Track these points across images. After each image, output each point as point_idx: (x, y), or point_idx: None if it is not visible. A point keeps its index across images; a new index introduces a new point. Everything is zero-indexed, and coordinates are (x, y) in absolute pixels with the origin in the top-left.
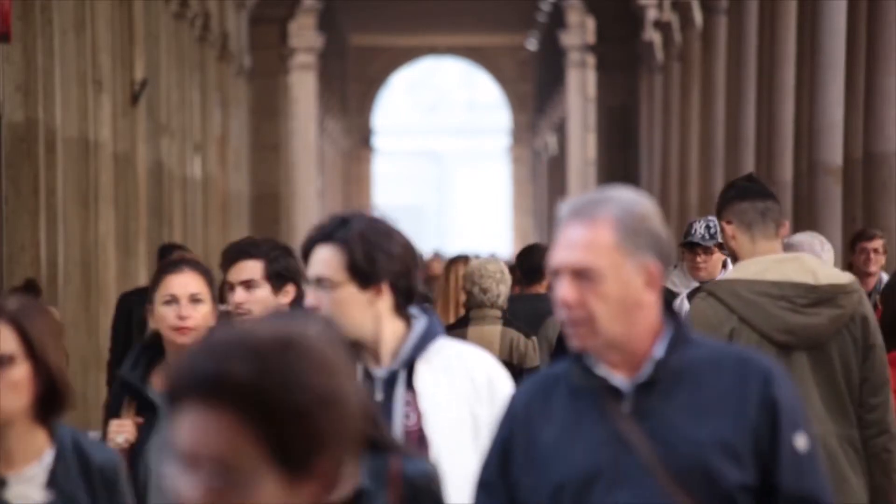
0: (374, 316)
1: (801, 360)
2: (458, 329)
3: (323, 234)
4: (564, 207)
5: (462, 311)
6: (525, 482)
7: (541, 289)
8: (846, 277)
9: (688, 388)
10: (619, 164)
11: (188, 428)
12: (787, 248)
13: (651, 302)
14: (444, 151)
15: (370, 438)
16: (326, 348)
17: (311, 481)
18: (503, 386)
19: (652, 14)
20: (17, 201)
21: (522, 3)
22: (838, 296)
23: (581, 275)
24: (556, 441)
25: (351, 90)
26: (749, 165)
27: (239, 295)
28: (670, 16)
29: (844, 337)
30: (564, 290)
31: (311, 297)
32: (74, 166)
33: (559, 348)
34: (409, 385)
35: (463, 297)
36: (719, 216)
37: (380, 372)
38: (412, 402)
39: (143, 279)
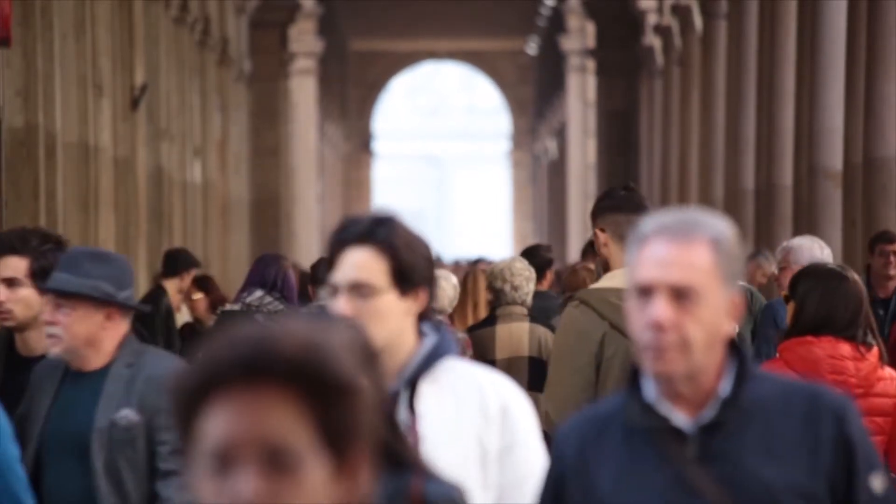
0: (407, 326)
1: None
2: (485, 327)
3: (359, 235)
4: (650, 224)
5: (479, 312)
6: None
7: (541, 287)
8: None
9: (757, 428)
10: (619, 168)
11: (229, 416)
12: (787, 251)
13: (727, 334)
14: (443, 156)
15: (392, 452)
16: (351, 341)
17: (348, 474)
18: (520, 415)
19: (652, 18)
20: (17, 205)
21: (522, 7)
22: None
23: (679, 295)
24: (613, 489)
25: (351, 94)
26: (749, 169)
27: (0, 293)
28: (670, 20)
29: None
30: (660, 310)
31: (344, 304)
32: (74, 171)
33: None
34: (412, 407)
35: (486, 297)
36: (594, 222)
37: None
38: (412, 426)
39: (143, 284)
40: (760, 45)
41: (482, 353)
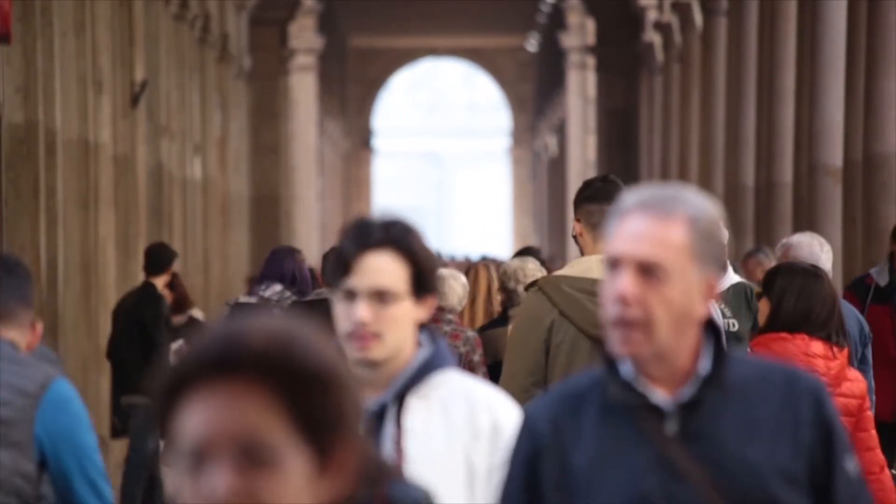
0: (411, 335)
1: None
2: (497, 328)
3: (378, 239)
4: (630, 197)
5: (477, 307)
6: None
7: None
8: None
9: (736, 407)
10: (619, 165)
11: (203, 413)
12: (787, 248)
13: (702, 316)
14: (444, 153)
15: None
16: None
17: (332, 470)
18: (512, 432)
19: (652, 15)
20: (17, 203)
21: (522, 4)
22: None
23: (647, 271)
24: (589, 466)
25: (351, 92)
26: (749, 167)
27: None
28: (670, 17)
29: None
30: (625, 284)
31: (364, 311)
32: (74, 168)
33: None
34: (399, 421)
35: (485, 294)
36: (574, 214)
37: (369, 403)
38: (397, 442)
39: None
40: (761, 42)
41: (494, 352)
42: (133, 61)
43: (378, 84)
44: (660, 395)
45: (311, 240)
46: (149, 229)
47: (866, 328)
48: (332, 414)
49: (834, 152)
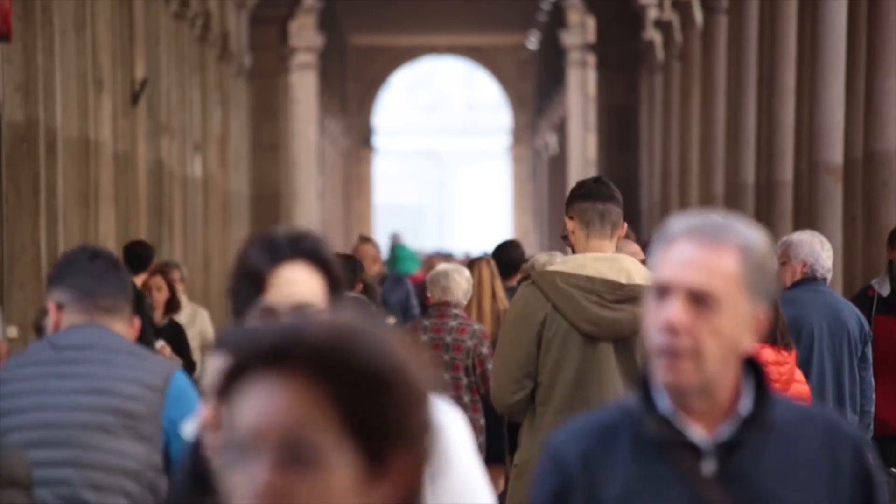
0: None
1: (607, 350)
2: None
3: (292, 251)
4: (678, 224)
5: (484, 307)
6: None
7: (513, 282)
8: None
9: (776, 450)
10: (619, 163)
11: (251, 403)
12: (787, 246)
13: (747, 351)
14: (444, 151)
15: None
16: (396, 335)
17: (386, 479)
18: (447, 435)
19: (652, 13)
20: (18, 201)
21: (523, 2)
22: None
23: (698, 300)
24: (621, 502)
25: (351, 90)
26: (749, 165)
27: None
28: (671, 15)
29: None
30: (675, 312)
31: None
32: (75, 166)
33: None
34: None
35: (490, 294)
36: (566, 212)
37: None
38: None
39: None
40: (761, 40)
41: None
42: (133, 59)
43: (378, 82)
44: (698, 433)
45: None
46: (149, 227)
47: (866, 327)
48: (388, 419)
49: (834, 150)
